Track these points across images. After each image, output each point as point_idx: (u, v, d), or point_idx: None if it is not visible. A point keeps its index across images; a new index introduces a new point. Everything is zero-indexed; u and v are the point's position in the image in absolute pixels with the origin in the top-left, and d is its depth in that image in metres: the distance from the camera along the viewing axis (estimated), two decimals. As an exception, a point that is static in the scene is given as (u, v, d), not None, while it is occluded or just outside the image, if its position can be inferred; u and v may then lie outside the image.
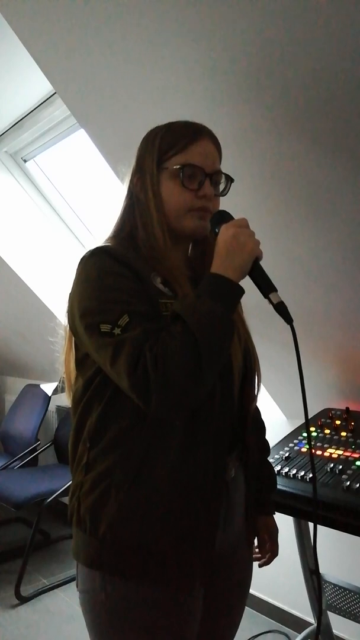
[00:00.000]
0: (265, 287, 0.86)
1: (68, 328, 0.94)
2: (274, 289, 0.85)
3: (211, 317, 0.77)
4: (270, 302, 0.85)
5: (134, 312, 0.79)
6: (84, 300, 0.83)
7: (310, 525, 1.18)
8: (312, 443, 1.48)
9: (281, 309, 0.84)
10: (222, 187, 0.96)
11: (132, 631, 0.86)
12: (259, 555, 1.13)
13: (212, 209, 0.93)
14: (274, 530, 1.13)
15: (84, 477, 0.88)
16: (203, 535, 0.87)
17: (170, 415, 0.82)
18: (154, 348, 0.75)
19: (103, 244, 0.90)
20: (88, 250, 0.88)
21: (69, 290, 0.88)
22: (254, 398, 1.00)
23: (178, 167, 0.90)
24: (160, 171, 0.91)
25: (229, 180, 0.96)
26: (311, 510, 1.26)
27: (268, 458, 1.15)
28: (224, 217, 0.90)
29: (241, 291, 0.83)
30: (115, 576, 0.85)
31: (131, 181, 0.95)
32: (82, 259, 0.87)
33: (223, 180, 0.96)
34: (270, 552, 1.13)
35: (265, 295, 0.85)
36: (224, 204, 0.97)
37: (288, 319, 0.84)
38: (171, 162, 0.91)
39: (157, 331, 0.78)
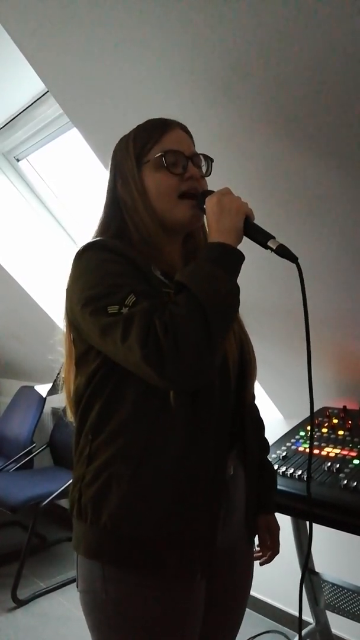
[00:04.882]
0: (262, 237, 0.86)
1: (67, 330, 0.92)
2: (271, 236, 0.86)
3: (212, 280, 0.77)
4: (271, 249, 0.85)
5: (140, 292, 0.79)
6: (87, 289, 0.82)
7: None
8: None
9: (283, 251, 0.84)
10: (204, 168, 0.97)
11: (133, 629, 0.86)
12: (260, 553, 1.12)
13: (201, 190, 0.93)
14: (275, 528, 1.11)
15: (86, 468, 0.87)
16: (203, 530, 0.87)
17: (184, 384, 0.79)
18: (162, 316, 0.75)
19: (96, 239, 0.89)
20: (81, 245, 0.87)
21: (66, 287, 0.87)
22: (251, 392, 0.99)
23: (159, 154, 0.90)
24: (140, 168, 0.92)
25: (209, 160, 0.97)
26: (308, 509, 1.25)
27: (267, 457, 1.14)
28: (207, 193, 0.91)
29: (238, 253, 0.83)
30: (114, 567, 0.85)
31: (113, 189, 0.95)
32: (77, 254, 0.87)
33: (203, 162, 0.97)
34: (271, 550, 1.11)
35: (264, 245, 0.86)
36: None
37: (292, 258, 0.84)
38: (150, 154, 0.91)
39: (163, 304, 0.78)
